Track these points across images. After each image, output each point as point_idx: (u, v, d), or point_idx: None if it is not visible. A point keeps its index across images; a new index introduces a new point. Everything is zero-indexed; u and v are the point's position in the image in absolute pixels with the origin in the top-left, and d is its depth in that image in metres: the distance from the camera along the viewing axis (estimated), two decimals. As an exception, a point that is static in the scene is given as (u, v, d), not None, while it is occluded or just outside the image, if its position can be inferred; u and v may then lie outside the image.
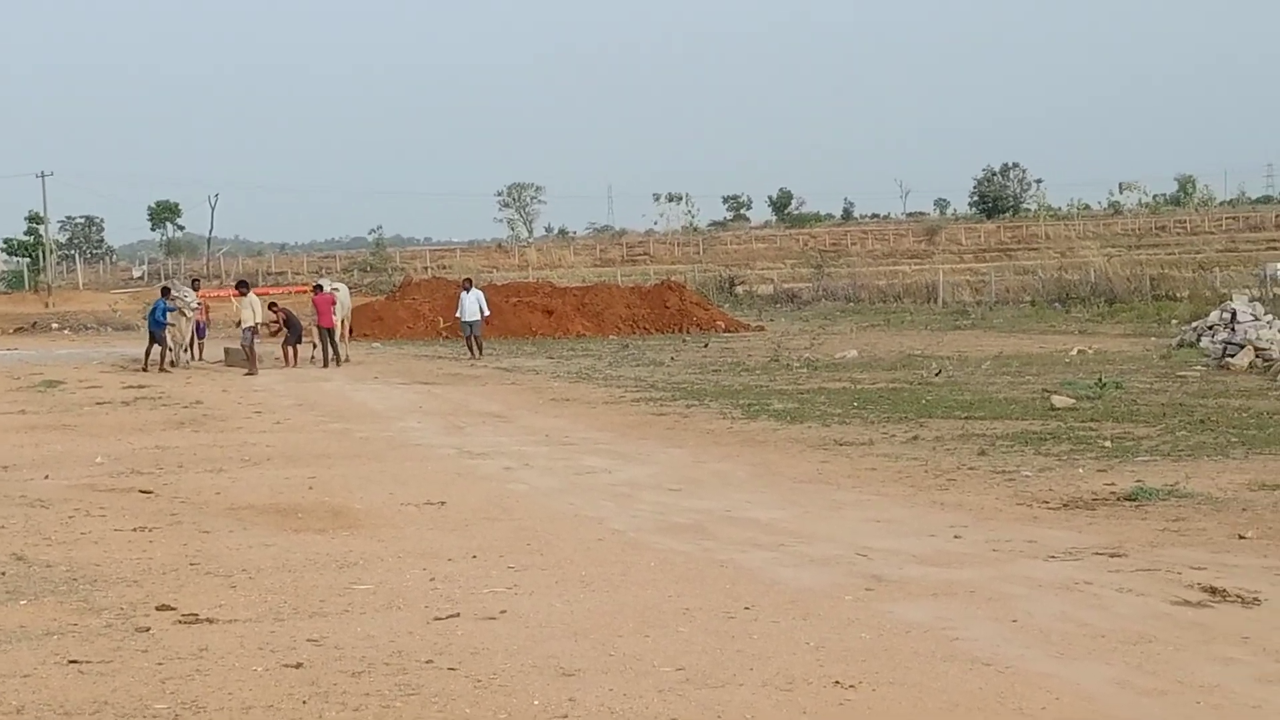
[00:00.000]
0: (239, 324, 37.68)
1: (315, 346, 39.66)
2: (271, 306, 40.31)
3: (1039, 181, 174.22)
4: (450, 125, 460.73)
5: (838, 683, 8.57)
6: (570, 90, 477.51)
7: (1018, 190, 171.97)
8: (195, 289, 42.52)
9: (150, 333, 37.68)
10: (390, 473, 18.14)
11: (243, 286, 40.69)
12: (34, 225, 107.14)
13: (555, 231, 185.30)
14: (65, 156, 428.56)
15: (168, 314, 37.34)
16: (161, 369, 36.44)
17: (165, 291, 39.20)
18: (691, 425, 22.95)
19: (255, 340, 37.02)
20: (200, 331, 40.51)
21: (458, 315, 43.21)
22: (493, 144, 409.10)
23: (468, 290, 43.17)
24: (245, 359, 36.66)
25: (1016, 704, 8.16)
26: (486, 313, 43.08)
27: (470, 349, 41.67)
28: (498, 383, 32.58)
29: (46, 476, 17.84)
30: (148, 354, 37.48)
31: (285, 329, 39.42)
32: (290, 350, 39.09)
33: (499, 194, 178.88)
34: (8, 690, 8.54)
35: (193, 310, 38.81)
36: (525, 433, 22.63)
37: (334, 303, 39.47)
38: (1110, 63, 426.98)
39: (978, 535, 13.31)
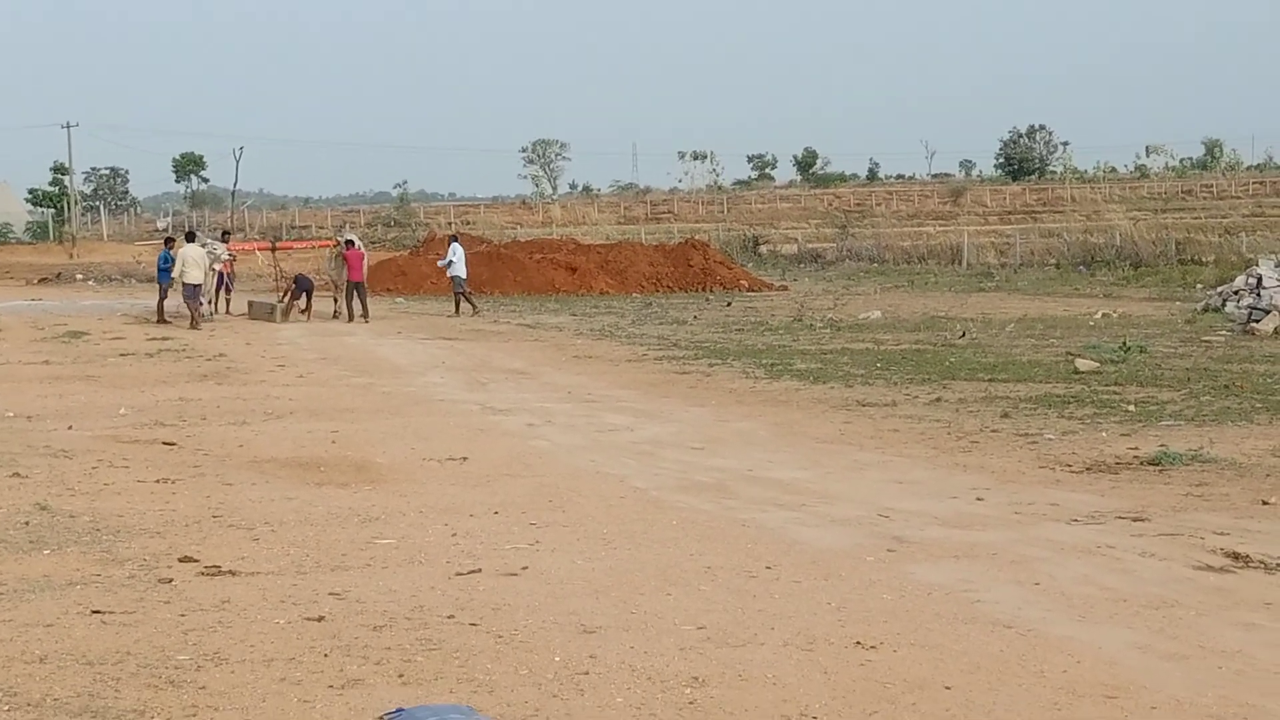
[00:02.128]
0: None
1: (336, 301, 39.75)
2: (296, 280, 40.07)
3: (1065, 144, 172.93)
4: (476, 80, 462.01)
5: (859, 643, 8.57)
6: (595, 46, 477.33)
7: (1044, 152, 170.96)
8: (225, 241, 42.52)
9: (160, 285, 37.61)
10: (413, 428, 18.16)
11: (190, 237, 39.17)
12: (59, 176, 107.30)
13: (579, 189, 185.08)
14: (91, 108, 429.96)
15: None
16: (162, 320, 36.12)
17: (169, 242, 39.08)
18: (714, 384, 22.95)
19: (199, 294, 36.07)
20: (226, 285, 40.42)
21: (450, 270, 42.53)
22: (518, 100, 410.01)
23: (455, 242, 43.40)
24: (190, 314, 35.61)
25: (1038, 667, 8.16)
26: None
27: (458, 305, 41.47)
28: (520, 339, 32.61)
29: (70, 427, 17.86)
30: (160, 308, 37.40)
31: (294, 286, 39.38)
32: (305, 302, 39.07)
33: (523, 150, 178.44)
34: (31, 640, 8.57)
35: (220, 262, 38.74)
36: (548, 389, 22.65)
37: (363, 258, 39.61)
38: (1137, 25, 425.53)
39: (1000, 498, 13.30)
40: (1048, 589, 9.87)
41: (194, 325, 34.87)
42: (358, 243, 41.14)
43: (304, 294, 39.29)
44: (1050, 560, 10.70)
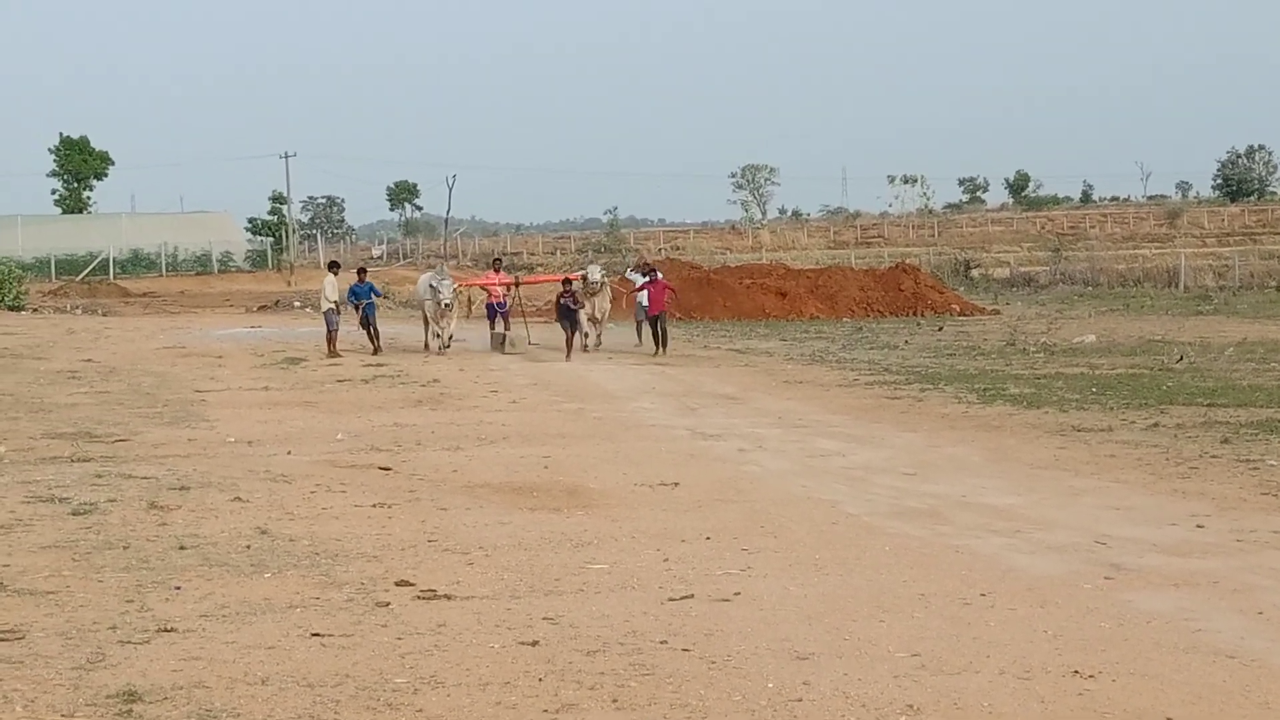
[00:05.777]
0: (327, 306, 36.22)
1: (585, 335, 38.08)
2: (566, 282, 38.77)
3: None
4: (684, 106, 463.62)
5: (1076, 672, 8.46)
6: (804, 71, 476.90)
7: (1263, 173, 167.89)
8: (497, 269, 41.95)
9: (365, 315, 37.09)
10: (624, 453, 18.23)
11: (333, 266, 39.13)
12: (277, 205, 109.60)
13: (789, 213, 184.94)
14: (308, 138, 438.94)
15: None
16: (332, 353, 35.59)
17: (361, 273, 38.98)
18: (926, 409, 22.76)
19: (337, 321, 35.78)
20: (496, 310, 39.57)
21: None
22: (727, 125, 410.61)
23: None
24: (371, 340, 36.00)
25: (1262, 698, 7.99)
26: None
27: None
28: (731, 364, 32.58)
29: (289, 452, 18.19)
30: (371, 338, 36.94)
31: (562, 313, 37.82)
32: (571, 337, 37.42)
33: (733, 175, 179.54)
34: (253, 661, 8.74)
35: (447, 302, 37.89)
36: (758, 415, 22.60)
37: (666, 291, 38.07)
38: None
39: (1221, 525, 13.04)
40: (1272, 619, 9.66)
41: (334, 354, 34.75)
42: (659, 275, 39.71)
43: (569, 326, 38.17)
44: (1274, 589, 10.48)
